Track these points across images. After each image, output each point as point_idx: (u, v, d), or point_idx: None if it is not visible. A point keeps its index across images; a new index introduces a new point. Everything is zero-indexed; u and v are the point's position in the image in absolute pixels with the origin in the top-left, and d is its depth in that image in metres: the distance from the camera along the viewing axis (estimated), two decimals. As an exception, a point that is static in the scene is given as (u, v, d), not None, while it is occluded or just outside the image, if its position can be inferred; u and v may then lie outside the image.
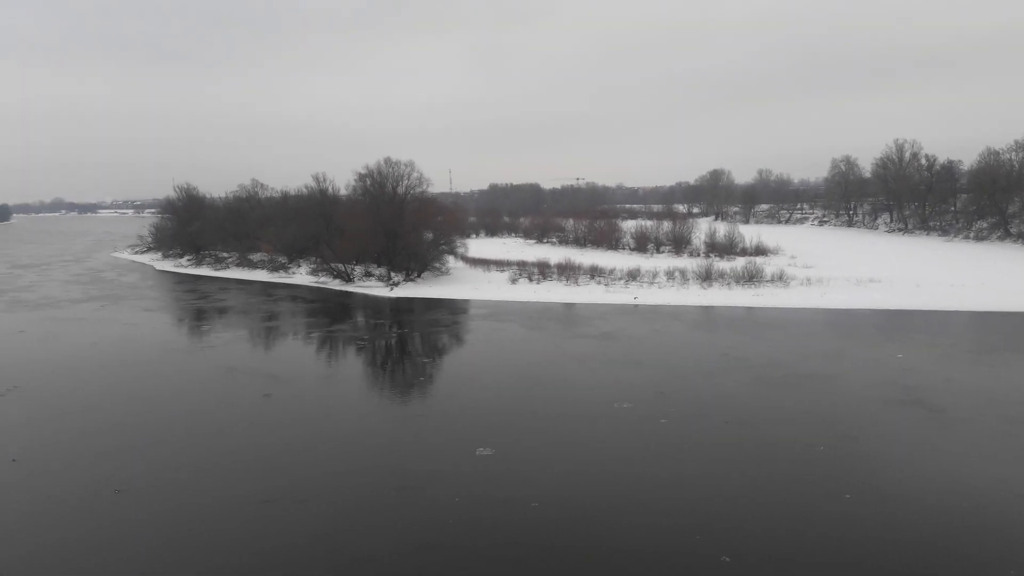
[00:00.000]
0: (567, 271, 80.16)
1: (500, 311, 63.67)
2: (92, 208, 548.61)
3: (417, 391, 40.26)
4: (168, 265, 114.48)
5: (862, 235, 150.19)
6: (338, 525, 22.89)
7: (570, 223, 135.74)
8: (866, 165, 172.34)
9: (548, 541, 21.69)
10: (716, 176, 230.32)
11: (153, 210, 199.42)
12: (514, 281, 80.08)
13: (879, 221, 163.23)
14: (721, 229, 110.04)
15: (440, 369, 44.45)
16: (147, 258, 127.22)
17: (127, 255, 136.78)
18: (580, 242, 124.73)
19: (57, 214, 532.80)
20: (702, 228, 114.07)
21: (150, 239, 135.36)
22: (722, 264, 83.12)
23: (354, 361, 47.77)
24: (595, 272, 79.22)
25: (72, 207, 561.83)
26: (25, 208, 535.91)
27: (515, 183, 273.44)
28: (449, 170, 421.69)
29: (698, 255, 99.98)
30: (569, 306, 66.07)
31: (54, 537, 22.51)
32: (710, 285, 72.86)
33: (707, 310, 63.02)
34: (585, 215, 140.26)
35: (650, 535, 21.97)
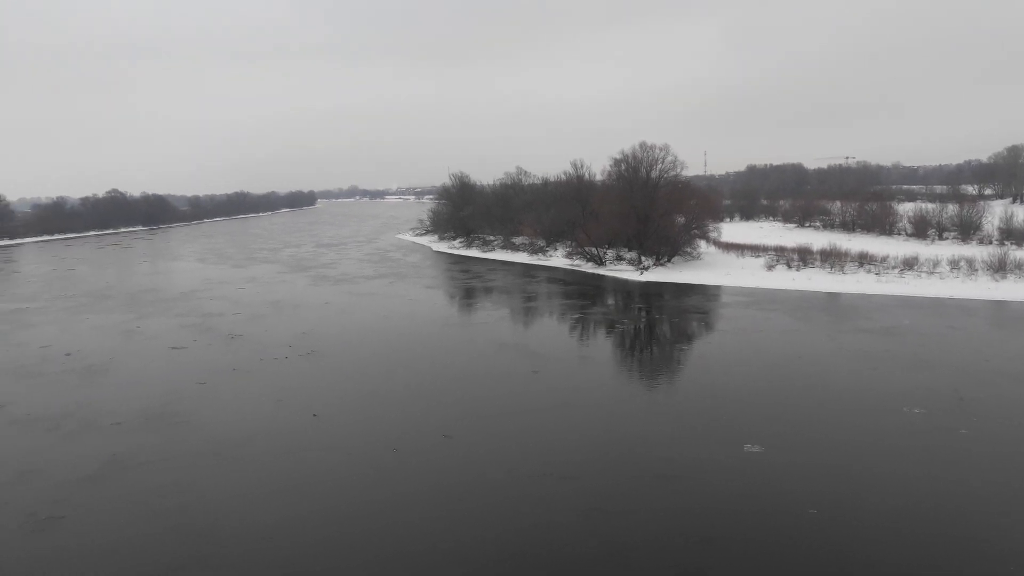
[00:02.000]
0: (831, 258, 73.27)
1: (758, 299, 59.63)
2: (381, 194, 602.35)
3: (673, 378, 38.58)
4: (443, 246, 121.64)
5: None
6: (604, 505, 22.16)
7: (836, 206, 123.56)
8: None
9: (830, 553, 19.32)
10: (1014, 153, 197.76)
11: (431, 196, 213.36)
12: (770, 268, 74.88)
13: None
14: (1020, 213, 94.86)
15: (695, 357, 42.22)
16: (425, 240, 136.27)
17: (409, 237, 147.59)
18: (847, 226, 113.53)
19: (352, 199, 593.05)
20: (995, 212, 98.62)
21: (428, 222, 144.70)
22: (1019, 253, 71.23)
23: (610, 344, 46.97)
24: (864, 259, 71.67)
25: (364, 193, 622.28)
26: (327, 194, 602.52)
27: (775, 163, 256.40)
28: (704, 152, 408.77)
29: (989, 243, 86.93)
30: (833, 296, 60.31)
31: (337, 482, 24.05)
32: (1004, 277, 62.88)
33: (1000, 305, 54.38)
34: (854, 197, 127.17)
35: (957, 568, 18.61)
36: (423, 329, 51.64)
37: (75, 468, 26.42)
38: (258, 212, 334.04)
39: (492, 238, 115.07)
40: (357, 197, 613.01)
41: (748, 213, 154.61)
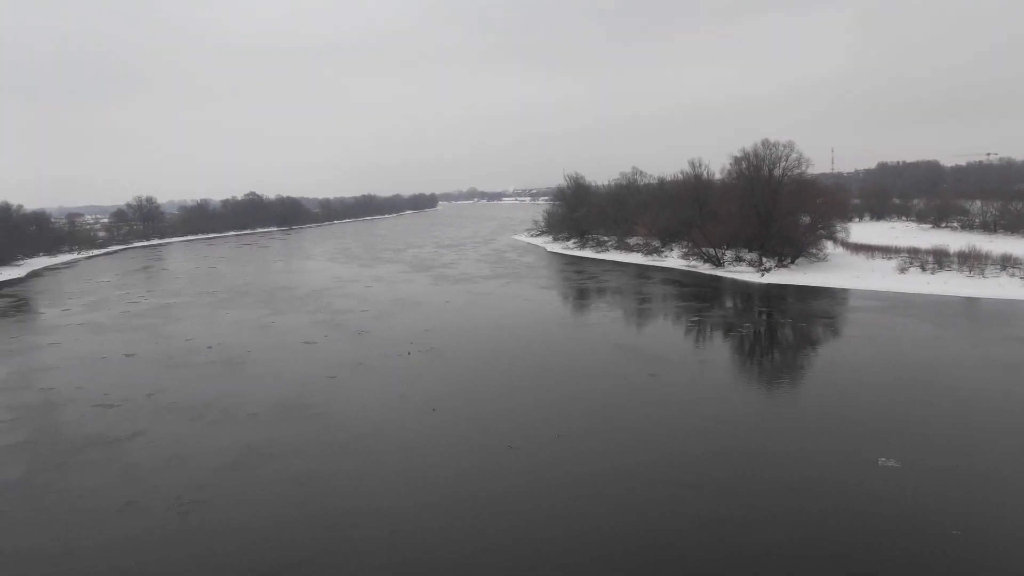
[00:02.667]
0: (970, 260, 68.04)
1: (891, 303, 56.10)
2: (498, 196, 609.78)
3: (799, 386, 36.79)
4: (557, 247, 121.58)
5: None
6: (727, 515, 21.27)
7: (976, 205, 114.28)
8: None
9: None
10: None
11: (546, 198, 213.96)
12: (903, 270, 70.30)
13: None
14: None
15: (823, 364, 40.12)
16: (540, 240, 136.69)
17: (524, 238, 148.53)
18: (988, 227, 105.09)
19: (470, 201, 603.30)
20: None
21: (543, 224, 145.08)
22: None
23: (730, 348, 45.36)
24: (1008, 262, 66.15)
25: (482, 195, 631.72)
26: (447, 196, 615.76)
27: (907, 160, 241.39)
28: (831, 149, 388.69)
29: None
30: (972, 301, 55.99)
31: (458, 476, 24.20)
32: None
33: None
34: (996, 195, 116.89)
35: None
36: (538, 329, 51.65)
37: (216, 456, 27.91)
38: (383, 214, 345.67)
39: (606, 239, 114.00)
40: (475, 199, 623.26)
41: (878, 212, 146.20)
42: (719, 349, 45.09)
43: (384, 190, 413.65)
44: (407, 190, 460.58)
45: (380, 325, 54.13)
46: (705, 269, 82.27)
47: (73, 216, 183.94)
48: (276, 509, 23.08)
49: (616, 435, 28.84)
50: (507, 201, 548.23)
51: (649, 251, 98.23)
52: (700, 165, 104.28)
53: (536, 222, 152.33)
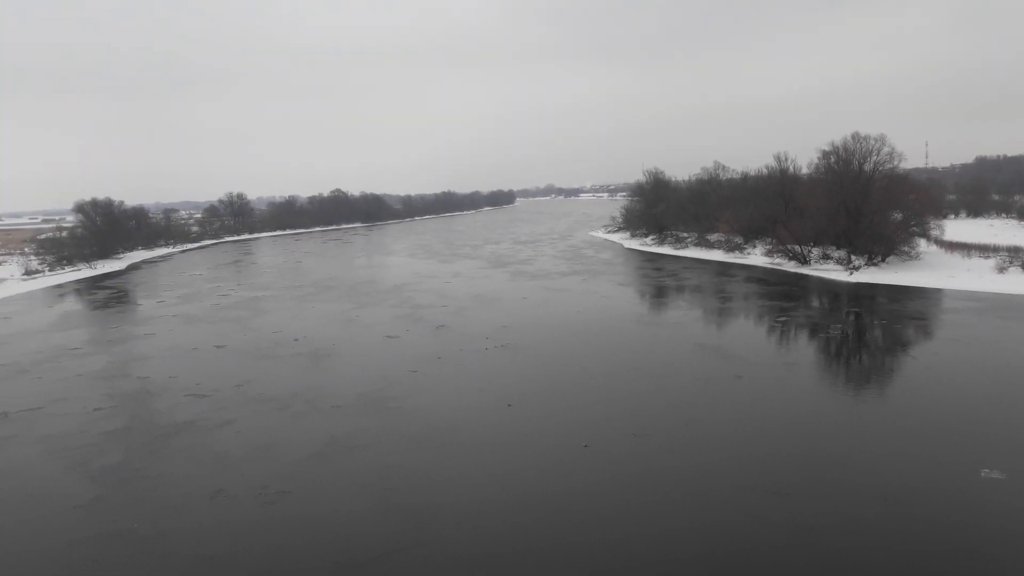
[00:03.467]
0: (1080, 259, 63.54)
1: (991, 304, 52.84)
2: (575, 192, 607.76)
3: (893, 391, 34.95)
4: (634, 244, 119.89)
5: None
6: (818, 525, 20.26)
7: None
8: None
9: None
10: None
11: (624, 193, 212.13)
12: (1002, 270, 66.19)
13: None
14: None
15: (919, 368, 37.90)
16: (617, 237, 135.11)
17: (601, 234, 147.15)
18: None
19: (548, 197, 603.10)
20: None
21: (620, 220, 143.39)
22: None
23: (817, 350, 43.57)
24: (1123, 261, 61.46)
25: (559, 191, 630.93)
26: (525, 193, 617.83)
27: (1009, 155, 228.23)
28: (925, 143, 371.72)
29: None
30: (1084, 302, 52.13)
31: (536, 473, 23.83)
32: None
33: None
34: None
35: None
36: (617, 326, 50.83)
37: (301, 447, 28.42)
38: (462, 210, 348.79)
39: (685, 235, 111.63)
40: (552, 195, 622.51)
41: (975, 209, 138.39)
42: (806, 351, 43.33)
43: (463, 187, 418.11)
44: (485, 187, 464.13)
45: (459, 320, 54.37)
46: (790, 267, 79.53)
47: (169, 211, 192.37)
48: (359, 502, 23.29)
49: (698, 437, 27.98)
50: (584, 197, 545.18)
51: (730, 248, 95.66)
52: (786, 159, 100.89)
53: (613, 218, 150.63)
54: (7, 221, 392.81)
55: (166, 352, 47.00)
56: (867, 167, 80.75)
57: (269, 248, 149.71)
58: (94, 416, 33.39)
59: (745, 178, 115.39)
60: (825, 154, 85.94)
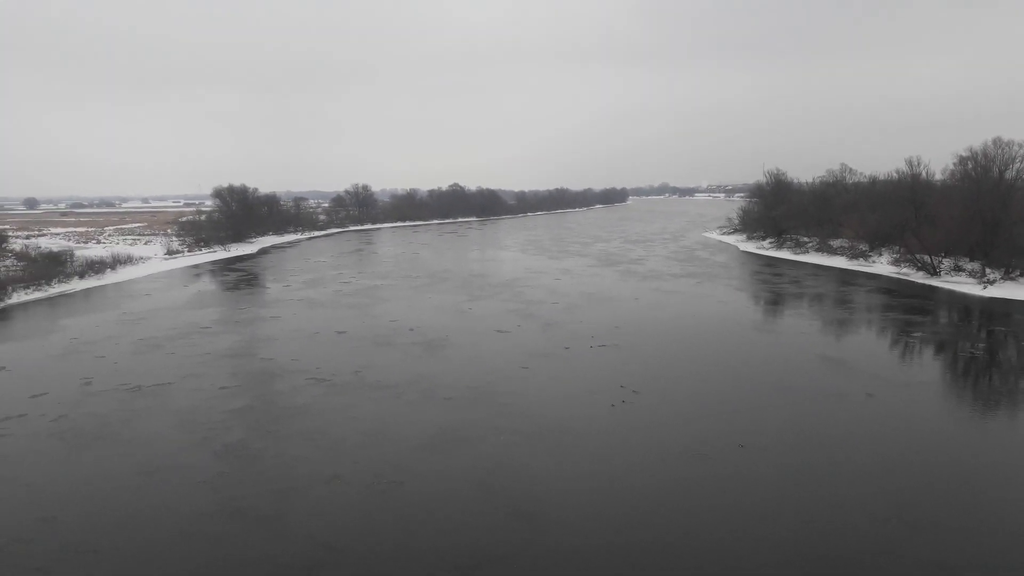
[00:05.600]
0: None
1: None
2: (690, 191, 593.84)
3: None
4: (750, 247, 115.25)
5: None
6: (961, 561, 18.21)
7: None
8: None
9: None
10: None
11: (742, 194, 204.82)
12: None
13: None
14: None
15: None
16: (732, 239, 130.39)
17: (715, 235, 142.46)
18: None
19: (661, 196, 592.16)
20: None
21: (736, 221, 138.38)
22: None
23: (955, 371, 39.99)
24: None
25: (674, 190, 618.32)
26: (638, 191, 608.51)
27: None
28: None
29: None
30: None
31: (646, 477, 22.77)
32: None
33: None
34: None
35: None
36: (733, 333, 48.54)
37: (413, 437, 28.40)
38: (574, 207, 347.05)
39: (806, 240, 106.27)
40: (666, 194, 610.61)
41: None
42: (943, 371, 39.81)
43: (576, 183, 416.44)
44: (598, 184, 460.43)
45: (569, 318, 53.51)
46: (917, 277, 74.05)
47: (299, 200, 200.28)
48: (467, 495, 22.89)
49: (831, 460, 25.91)
50: (699, 197, 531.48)
51: (854, 255, 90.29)
52: (919, 164, 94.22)
53: (729, 219, 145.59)
54: (154, 204, 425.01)
55: (290, 335, 48.56)
56: (1008, 174, 74.44)
57: (389, 238, 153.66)
58: (220, 394, 34.69)
59: (873, 182, 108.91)
60: (962, 160, 79.88)
